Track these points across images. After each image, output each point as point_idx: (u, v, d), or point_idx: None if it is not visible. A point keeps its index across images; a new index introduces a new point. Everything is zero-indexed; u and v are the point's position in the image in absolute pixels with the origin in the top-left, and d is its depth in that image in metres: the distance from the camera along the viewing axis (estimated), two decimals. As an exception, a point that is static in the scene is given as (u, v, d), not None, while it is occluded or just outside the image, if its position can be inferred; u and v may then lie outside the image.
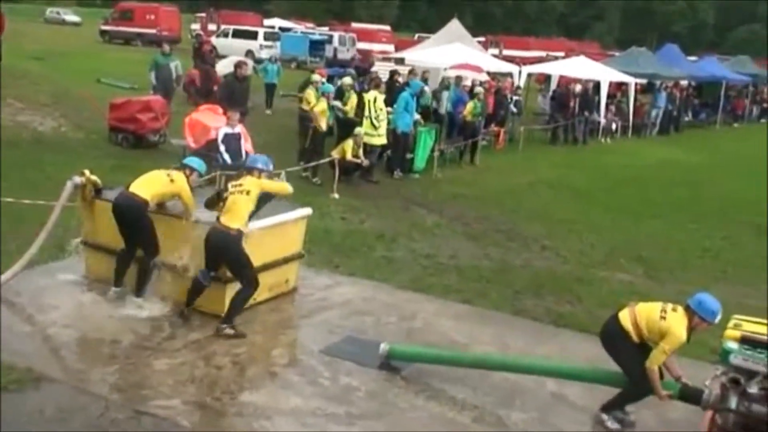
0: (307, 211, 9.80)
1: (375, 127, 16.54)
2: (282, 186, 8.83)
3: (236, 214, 8.21)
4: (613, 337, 7.12)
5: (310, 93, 16.59)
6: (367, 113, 16.55)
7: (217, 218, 8.30)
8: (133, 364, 7.49)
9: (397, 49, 39.40)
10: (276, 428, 6.64)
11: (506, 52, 42.17)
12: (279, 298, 9.33)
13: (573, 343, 8.82)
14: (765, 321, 7.03)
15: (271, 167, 8.75)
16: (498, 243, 12.95)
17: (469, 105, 20.41)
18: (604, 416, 7.17)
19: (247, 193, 8.27)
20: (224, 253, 8.23)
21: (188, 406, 6.83)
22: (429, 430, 6.88)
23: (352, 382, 7.59)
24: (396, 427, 6.87)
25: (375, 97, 16.66)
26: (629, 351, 7.00)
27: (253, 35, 44.72)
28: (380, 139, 16.77)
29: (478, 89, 20.96)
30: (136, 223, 8.58)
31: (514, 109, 24.26)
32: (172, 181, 8.72)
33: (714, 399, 6.75)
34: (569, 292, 10.75)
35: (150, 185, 8.68)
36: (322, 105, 16.30)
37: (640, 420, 7.25)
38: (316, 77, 17.62)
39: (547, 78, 32.32)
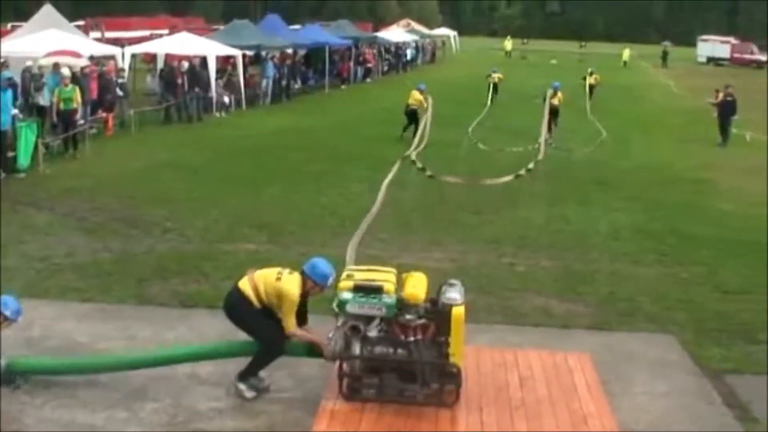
0: None
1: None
2: None
3: None
4: (236, 306, 7.28)
5: None
6: None
7: None
8: None
9: (-14, 41, 36.31)
10: None
11: (109, 34, 40.51)
12: None
13: (203, 321, 8.88)
14: (374, 267, 7.61)
15: (19, 319, 7.57)
16: (118, 233, 12.61)
17: (56, 91, 19.31)
18: (241, 386, 7.32)
19: None
20: None
21: None
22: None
23: (-34, 408, 7.00)
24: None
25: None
26: (254, 317, 7.21)
27: None
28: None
29: (65, 71, 19.92)
30: None
31: (121, 93, 23.59)
32: None
33: (339, 349, 7.16)
34: (196, 270, 10.81)
35: None
36: None
37: (275, 381, 7.51)
38: None
39: (154, 57, 31.82)
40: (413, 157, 18.19)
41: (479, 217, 14.49)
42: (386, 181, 16.68)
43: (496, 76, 35.44)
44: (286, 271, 7.28)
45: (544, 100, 25.88)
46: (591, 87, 36.18)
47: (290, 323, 7.12)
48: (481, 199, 15.78)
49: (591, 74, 37.52)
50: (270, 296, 7.15)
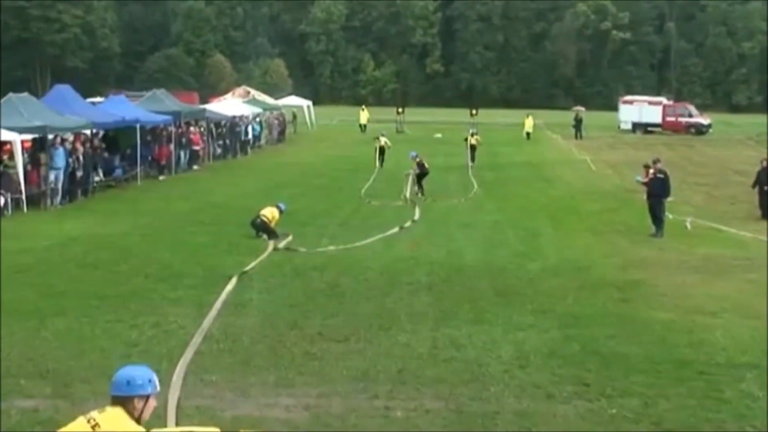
0: None
1: None
2: None
3: None
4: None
5: None
6: None
7: None
8: None
9: None
10: None
11: None
12: None
13: None
14: (189, 429, 7.34)
15: None
16: None
17: None
18: None
19: None
20: None
21: None
22: None
23: None
24: None
25: None
26: None
27: None
28: None
29: None
30: None
31: None
32: None
33: None
34: (-52, 445, 10.27)
35: None
36: None
37: None
38: None
39: None
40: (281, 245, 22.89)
41: (344, 345, 14.40)
42: (218, 304, 16.57)
43: (383, 139, 46.58)
44: (94, 413, 6.83)
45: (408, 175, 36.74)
46: (473, 147, 48.36)
47: None
48: (346, 321, 15.75)
49: (472, 135, 49.92)
50: None
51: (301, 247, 22.75)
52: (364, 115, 75.27)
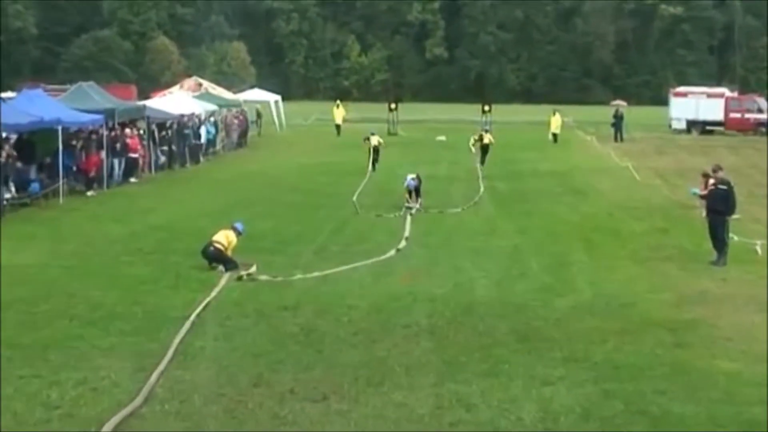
0: None
1: None
2: None
3: None
4: None
5: None
6: None
7: None
8: None
9: None
10: None
11: None
12: None
13: None
14: None
15: None
16: None
17: None
18: None
19: None
20: None
21: None
22: None
23: None
24: None
25: None
26: None
27: None
28: None
29: None
30: None
31: None
32: None
33: None
34: None
35: None
36: None
37: None
38: None
39: None
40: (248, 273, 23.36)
41: (323, 406, 14.37)
42: (169, 354, 16.46)
43: (375, 138, 50.70)
44: None
45: (407, 208, 36.21)
46: (485, 148, 53.38)
47: None
48: (325, 374, 15.71)
49: (485, 132, 56.14)
50: None
51: (263, 276, 22.99)
52: (339, 113, 75.01)
